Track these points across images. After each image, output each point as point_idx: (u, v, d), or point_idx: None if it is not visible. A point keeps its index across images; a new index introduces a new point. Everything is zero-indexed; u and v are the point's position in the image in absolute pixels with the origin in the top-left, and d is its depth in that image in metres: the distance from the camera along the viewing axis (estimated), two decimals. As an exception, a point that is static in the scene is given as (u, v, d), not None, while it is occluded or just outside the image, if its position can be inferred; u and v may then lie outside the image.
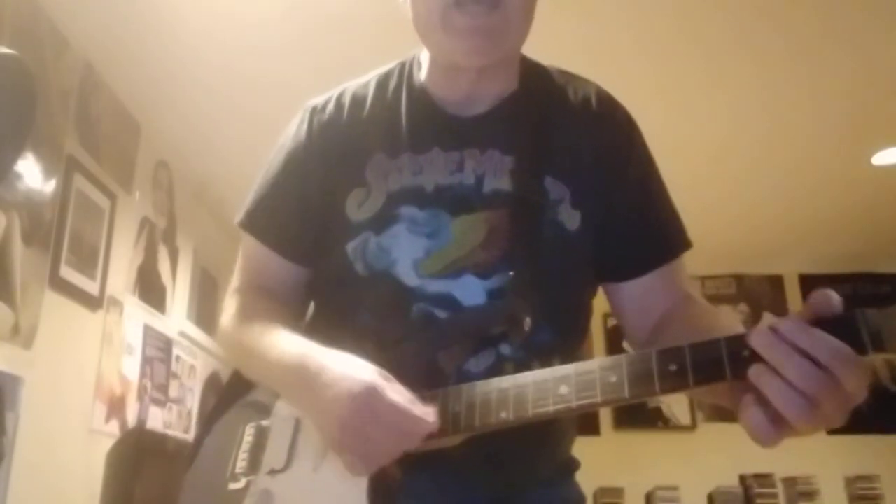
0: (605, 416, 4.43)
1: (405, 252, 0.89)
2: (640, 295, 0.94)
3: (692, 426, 4.47)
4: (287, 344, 0.87)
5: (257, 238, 1.01)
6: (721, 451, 4.30)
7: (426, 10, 0.89)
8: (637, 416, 4.44)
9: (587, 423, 4.25)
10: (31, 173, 2.15)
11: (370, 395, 0.73)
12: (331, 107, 1.01)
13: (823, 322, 0.60)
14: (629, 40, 2.53)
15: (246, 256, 1.04)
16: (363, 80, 1.04)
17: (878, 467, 4.24)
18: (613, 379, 0.68)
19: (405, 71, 1.02)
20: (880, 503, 4.17)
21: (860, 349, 0.59)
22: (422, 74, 0.99)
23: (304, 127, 1.01)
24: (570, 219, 0.91)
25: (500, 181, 0.91)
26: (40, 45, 2.22)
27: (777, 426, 0.61)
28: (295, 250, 0.99)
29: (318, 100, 1.04)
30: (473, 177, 0.91)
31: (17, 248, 2.06)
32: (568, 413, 0.71)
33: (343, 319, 0.93)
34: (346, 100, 1.01)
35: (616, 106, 1.00)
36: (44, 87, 2.20)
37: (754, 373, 0.61)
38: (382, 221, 0.91)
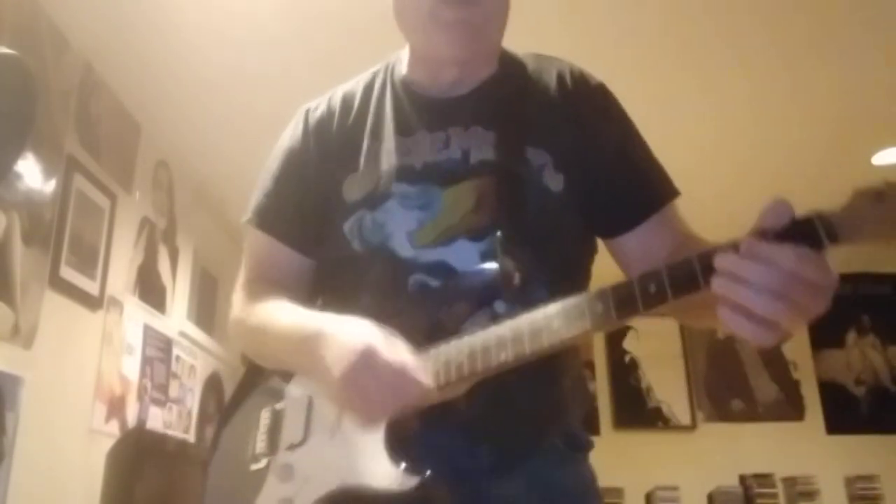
0: (605, 416, 4.43)
1: (399, 225, 0.94)
2: (639, 246, 0.98)
3: (692, 426, 4.47)
4: (292, 315, 0.94)
5: (265, 231, 1.06)
6: (721, 451, 4.31)
7: (414, 5, 0.97)
8: (637, 415, 4.45)
9: (587, 422, 4.25)
10: (31, 173, 2.15)
11: (368, 355, 0.80)
12: (323, 106, 1.09)
13: (784, 228, 0.67)
14: (622, 39, 2.53)
15: (252, 253, 1.09)
16: (351, 81, 1.12)
17: (878, 467, 4.24)
18: (600, 307, 0.74)
19: (389, 68, 1.10)
20: (880, 503, 4.17)
21: (818, 245, 0.67)
22: (403, 68, 1.07)
23: (300, 126, 1.09)
24: (555, 181, 0.96)
25: (484, 153, 0.97)
26: (40, 45, 2.22)
27: (761, 325, 0.65)
28: (300, 239, 1.04)
29: (311, 103, 1.12)
30: (459, 151, 0.97)
31: (17, 248, 2.06)
32: (563, 344, 0.77)
33: (344, 301, 0.96)
34: (337, 99, 1.09)
35: (589, 77, 1.06)
36: (44, 87, 2.20)
37: (717, 283, 0.66)
38: (375, 199, 0.96)
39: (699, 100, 2.89)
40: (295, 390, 0.97)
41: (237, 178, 3.54)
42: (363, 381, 0.79)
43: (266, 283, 1.05)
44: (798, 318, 0.66)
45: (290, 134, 1.09)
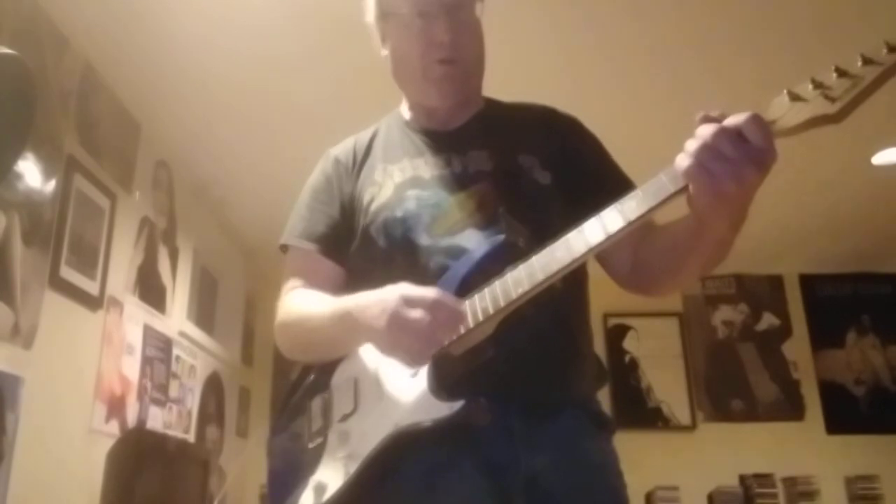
0: (605, 416, 4.43)
1: (417, 220, 1.11)
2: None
3: (692, 426, 4.47)
4: (327, 302, 1.09)
5: (305, 244, 1.21)
6: (721, 451, 4.31)
7: (410, 64, 1.19)
8: (637, 416, 4.45)
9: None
10: (31, 173, 2.15)
11: (404, 296, 0.94)
12: (342, 147, 1.29)
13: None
14: (631, 39, 2.54)
15: (292, 270, 1.24)
16: (361, 132, 1.32)
17: (878, 467, 4.25)
18: (602, 225, 0.90)
19: (391, 117, 1.31)
20: (880, 503, 4.17)
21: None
22: (405, 115, 1.29)
23: (323, 164, 1.29)
24: (543, 176, 1.15)
25: (482, 165, 1.16)
26: (40, 45, 2.22)
27: (707, 176, 0.83)
28: (333, 250, 1.20)
29: (332, 148, 1.31)
30: (461, 167, 1.16)
31: (17, 248, 2.06)
32: (568, 269, 0.92)
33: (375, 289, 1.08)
34: (351, 142, 1.29)
35: (559, 110, 1.27)
36: (44, 87, 2.20)
37: (688, 143, 0.85)
38: (395, 203, 1.14)
39: (698, 96, 2.89)
40: (339, 378, 1.09)
41: (237, 178, 3.55)
42: (407, 319, 0.92)
43: (304, 289, 1.19)
44: (735, 175, 0.82)
45: (316, 172, 1.29)
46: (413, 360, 0.95)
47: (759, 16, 2.45)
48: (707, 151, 0.83)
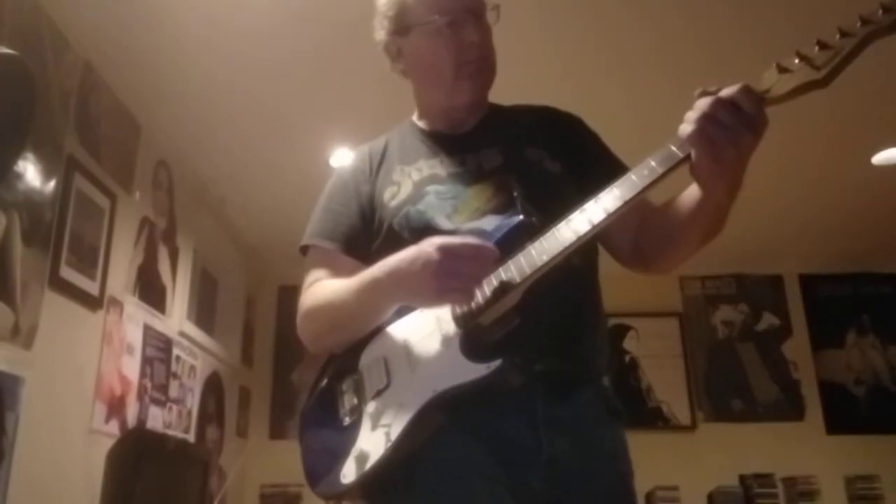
0: (605, 416, 4.43)
1: (438, 211, 1.17)
2: (618, 220, 1.12)
3: (692, 426, 4.47)
4: (356, 277, 1.13)
5: (326, 243, 1.26)
6: (721, 451, 4.31)
7: (442, 67, 1.25)
8: (637, 416, 4.44)
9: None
10: (31, 173, 2.15)
11: (445, 245, 0.99)
12: (357, 153, 1.35)
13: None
14: (633, 37, 2.53)
15: (314, 269, 1.27)
16: (373, 141, 1.37)
17: (878, 467, 4.24)
18: (617, 193, 0.98)
19: (404, 125, 1.37)
20: (880, 503, 4.17)
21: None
22: (419, 123, 1.36)
23: (339, 170, 1.35)
24: (553, 166, 1.23)
25: (494, 161, 1.23)
26: (40, 45, 2.21)
27: (709, 144, 0.92)
28: (353, 246, 1.24)
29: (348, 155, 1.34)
30: (475, 164, 1.24)
31: (17, 248, 2.06)
32: (583, 240, 0.98)
33: None
34: (367, 148, 1.35)
35: (559, 109, 1.35)
36: (44, 87, 2.20)
37: (686, 115, 0.93)
38: (415, 198, 1.20)
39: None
40: (367, 359, 1.13)
41: (237, 178, 3.55)
42: (453, 265, 0.98)
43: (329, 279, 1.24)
44: (733, 140, 0.91)
45: (333, 178, 1.35)
46: (466, 296, 1.01)
47: (764, 10, 2.45)
48: (706, 120, 0.91)
